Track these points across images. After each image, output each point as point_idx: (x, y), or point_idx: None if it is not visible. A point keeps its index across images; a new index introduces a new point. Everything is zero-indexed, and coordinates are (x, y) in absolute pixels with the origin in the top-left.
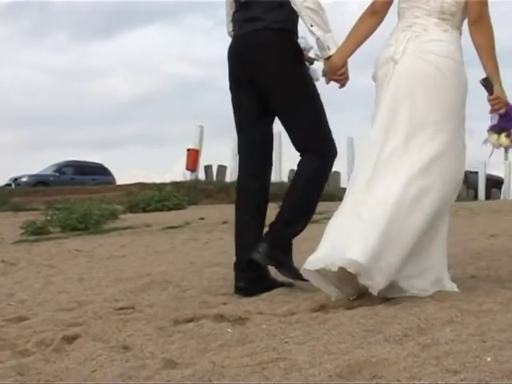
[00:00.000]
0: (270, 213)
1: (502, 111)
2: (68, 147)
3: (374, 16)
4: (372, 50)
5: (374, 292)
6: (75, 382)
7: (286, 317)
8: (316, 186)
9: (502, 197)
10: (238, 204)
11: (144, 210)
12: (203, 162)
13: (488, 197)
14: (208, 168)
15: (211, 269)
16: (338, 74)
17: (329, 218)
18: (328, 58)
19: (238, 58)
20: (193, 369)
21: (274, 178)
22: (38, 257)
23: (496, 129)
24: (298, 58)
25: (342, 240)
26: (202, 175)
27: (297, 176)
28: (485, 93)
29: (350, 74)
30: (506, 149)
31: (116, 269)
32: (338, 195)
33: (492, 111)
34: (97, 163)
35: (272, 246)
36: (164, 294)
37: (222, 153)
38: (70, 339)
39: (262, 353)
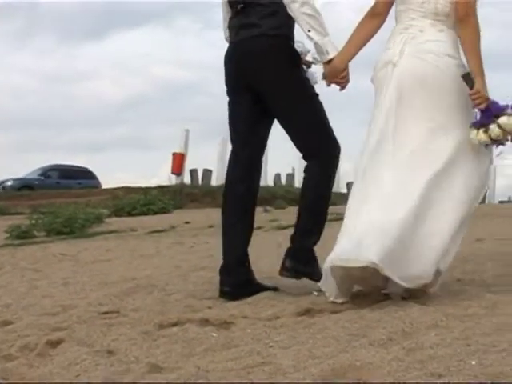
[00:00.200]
0: (256, 217)
1: (482, 106)
2: (55, 150)
3: (375, 18)
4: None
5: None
6: None
7: (270, 321)
8: (324, 190)
9: (486, 201)
10: (224, 207)
11: (129, 214)
12: (189, 165)
13: None
14: (193, 172)
15: (196, 273)
16: (339, 77)
17: None
18: (328, 62)
19: (235, 64)
20: (177, 373)
21: None
22: (22, 261)
23: (476, 125)
24: (294, 62)
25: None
26: (187, 179)
27: (305, 185)
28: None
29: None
30: (487, 146)
31: (101, 273)
32: None
33: (473, 106)
34: (82, 167)
35: (296, 259)
36: (149, 298)
37: (208, 157)
38: (54, 344)
39: (246, 357)
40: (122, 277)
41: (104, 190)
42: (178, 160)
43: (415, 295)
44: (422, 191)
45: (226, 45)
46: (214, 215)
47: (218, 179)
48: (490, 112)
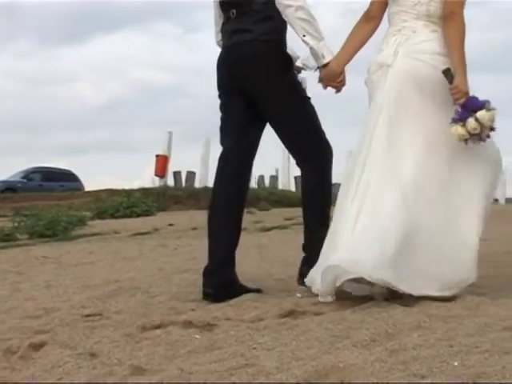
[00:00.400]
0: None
1: (461, 101)
2: (36, 153)
3: (370, 22)
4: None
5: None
6: None
7: (254, 323)
8: (323, 191)
9: None
10: (212, 209)
11: (112, 217)
12: (172, 168)
13: None
14: (177, 174)
15: (180, 275)
16: (336, 81)
17: (298, 224)
18: (324, 66)
19: (228, 68)
20: (160, 375)
21: None
22: (5, 264)
23: (456, 120)
24: (287, 66)
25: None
26: (170, 181)
27: (303, 190)
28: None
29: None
30: (466, 141)
31: (84, 275)
32: None
33: (453, 102)
34: (65, 169)
35: (312, 266)
36: (132, 301)
37: (191, 159)
38: (36, 347)
39: (230, 359)
40: (105, 279)
41: (87, 192)
42: (162, 162)
43: (399, 296)
44: (428, 194)
45: (208, 48)
46: (198, 217)
47: (201, 181)
48: (469, 107)
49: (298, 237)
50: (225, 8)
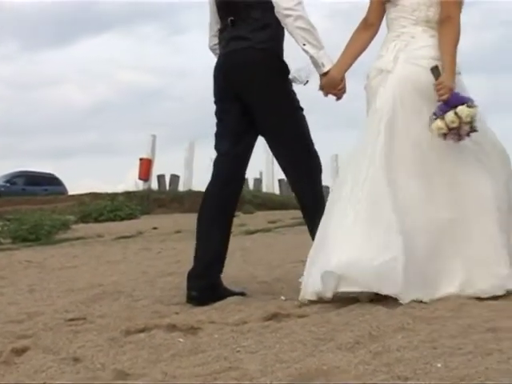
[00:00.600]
0: None
1: (444, 97)
2: (20, 157)
3: (369, 29)
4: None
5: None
6: None
7: (238, 326)
8: (316, 195)
9: None
10: (203, 212)
11: (96, 220)
12: (156, 171)
13: None
14: (161, 177)
15: (164, 278)
16: (337, 88)
17: (282, 227)
18: (324, 74)
19: (224, 75)
20: (144, 379)
21: None
22: None
23: (436, 114)
24: (283, 75)
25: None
26: (154, 185)
27: (299, 200)
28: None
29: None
30: (445, 136)
31: (67, 279)
32: (291, 204)
33: (438, 98)
34: (48, 173)
35: None
36: (115, 305)
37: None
38: (19, 351)
39: (213, 362)
40: (89, 283)
41: (70, 196)
42: (145, 166)
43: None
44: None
45: (192, 50)
46: (182, 221)
47: (185, 185)
48: (452, 102)
49: (281, 240)
50: (222, 15)
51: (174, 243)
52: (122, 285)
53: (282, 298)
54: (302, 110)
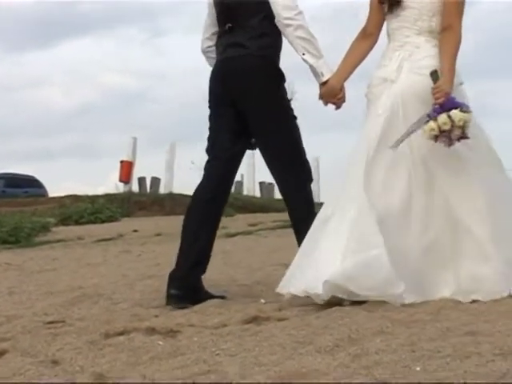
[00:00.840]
0: None
1: (440, 101)
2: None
3: (368, 38)
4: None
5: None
6: None
7: (217, 329)
8: (305, 215)
9: None
10: (191, 213)
11: (77, 223)
12: (137, 173)
13: None
14: (142, 180)
15: (144, 281)
16: (336, 97)
17: (263, 230)
18: (324, 83)
19: (220, 81)
20: (123, 382)
21: None
22: None
23: (430, 117)
24: (279, 82)
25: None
26: (135, 187)
27: (289, 209)
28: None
29: None
30: (436, 138)
31: (47, 282)
32: (272, 206)
33: (434, 101)
34: (28, 175)
35: None
36: (95, 307)
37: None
38: None
39: (192, 365)
40: (69, 286)
41: (51, 198)
42: (126, 168)
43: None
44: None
45: (173, 53)
46: (162, 223)
47: (166, 187)
48: (446, 106)
49: (262, 243)
50: (221, 21)
51: (155, 246)
52: (101, 287)
53: (262, 301)
54: (295, 118)
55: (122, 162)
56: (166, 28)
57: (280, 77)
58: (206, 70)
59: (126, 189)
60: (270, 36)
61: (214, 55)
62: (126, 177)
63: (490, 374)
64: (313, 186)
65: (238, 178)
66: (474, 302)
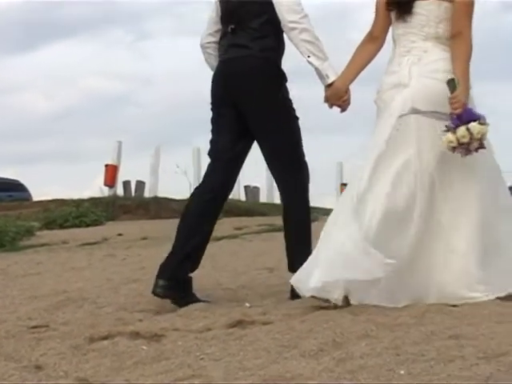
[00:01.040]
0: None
1: (458, 111)
2: None
3: (374, 42)
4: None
5: None
6: None
7: (202, 333)
8: (304, 216)
9: None
10: (190, 209)
11: (61, 227)
12: (121, 177)
13: None
14: (126, 184)
15: (128, 285)
16: (341, 100)
17: (248, 234)
18: (329, 86)
19: (223, 82)
20: None
21: None
22: None
23: (448, 128)
24: (280, 83)
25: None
26: (120, 191)
27: (284, 216)
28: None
29: None
30: (454, 149)
31: (31, 286)
32: (257, 210)
33: (451, 111)
34: (13, 179)
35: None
36: (79, 312)
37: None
38: None
39: (177, 370)
40: (53, 290)
41: (35, 202)
42: (111, 172)
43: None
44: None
45: (158, 56)
46: (147, 227)
47: (151, 191)
48: (464, 118)
49: (248, 246)
50: (224, 21)
51: (140, 250)
52: (86, 292)
53: (247, 304)
54: (297, 118)
55: (106, 165)
56: (150, 31)
57: (281, 77)
58: (191, 73)
59: (111, 193)
60: (273, 38)
61: (212, 52)
62: (110, 181)
63: (473, 377)
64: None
65: None
66: (457, 305)
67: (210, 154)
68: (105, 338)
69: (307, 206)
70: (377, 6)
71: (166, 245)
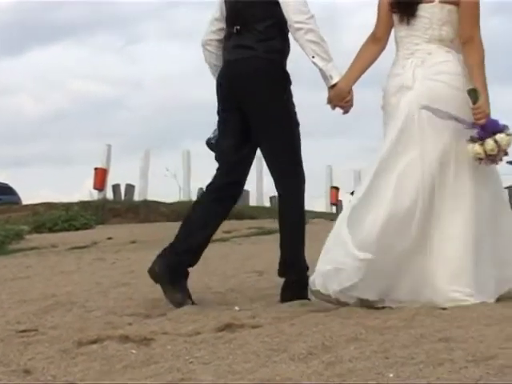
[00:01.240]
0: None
1: (481, 122)
2: None
3: (377, 43)
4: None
5: None
6: None
7: (191, 337)
8: (300, 217)
9: None
10: (201, 205)
11: (50, 230)
12: (111, 181)
13: None
14: (116, 187)
15: (118, 289)
16: (344, 101)
17: (238, 237)
18: (332, 87)
19: (227, 83)
20: None
21: (182, 197)
22: None
23: (474, 139)
24: (284, 86)
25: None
26: (109, 194)
27: (280, 217)
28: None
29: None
30: (480, 160)
31: (20, 290)
32: (247, 213)
33: (474, 121)
34: (2, 183)
35: (297, 291)
36: (68, 316)
37: (130, 172)
38: None
39: (166, 374)
40: (42, 294)
41: (24, 206)
42: (100, 175)
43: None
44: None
45: (148, 60)
46: (137, 231)
47: (140, 194)
48: (489, 128)
49: (237, 250)
50: (229, 22)
51: (129, 253)
52: (75, 295)
53: (236, 308)
54: (298, 124)
55: (96, 169)
56: (140, 36)
57: (286, 80)
58: (180, 77)
59: (101, 196)
60: (278, 40)
61: (213, 50)
62: (100, 184)
63: (462, 380)
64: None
65: None
66: (447, 308)
67: (216, 156)
68: (94, 341)
69: (303, 208)
70: (379, 7)
71: (156, 248)
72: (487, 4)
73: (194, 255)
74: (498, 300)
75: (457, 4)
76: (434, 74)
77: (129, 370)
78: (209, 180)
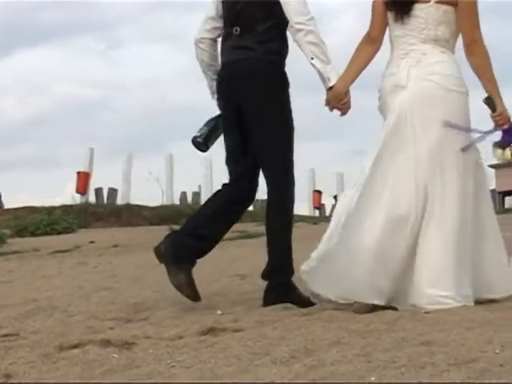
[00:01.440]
0: (161, 234)
1: (505, 126)
2: None
3: (373, 44)
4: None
5: None
6: None
7: (173, 341)
8: (286, 220)
9: None
10: (207, 201)
11: (33, 234)
12: (93, 184)
13: None
14: (98, 191)
15: (99, 293)
16: (341, 103)
17: (222, 240)
18: (330, 89)
19: (226, 83)
20: None
21: (165, 200)
22: None
23: (500, 144)
24: (283, 87)
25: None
26: (92, 198)
27: (267, 219)
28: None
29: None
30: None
31: (1, 295)
32: None
33: (497, 127)
34: None
35: (281, 294)
36: (50, 320)
37: (113, 175)
38: None
39: (148, 378)
40: (23, 298)
41: (6, 210)
42: (83, 179)
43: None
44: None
45: (130, 63)
46: (119, 235)
47: (123, 198)
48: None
49: (221, 253)
50: (228, 23)
51: (111, 257)
52: (56, 300)
53: (219, 312)
54: (293, 128)
55: (78, 172)
56: (123, 39)
57: (285, 81)
58: (163, 80)
59: (83, 200)
60: (278, 41)
61: (206, 48)
62: (82, 188)
63: None
64: None
65: (195, 188)
66: (429, 312)
67: (225, 158)
68: (75, 346)
69: (291, 210)
70: (373, 6)
71: (138, 252)
72: (484, 3)
73: (203, 242)
74: (480, 303)
75: (453, 4)
76: (428, 74)
77: (110, 374)
78: (192, 185)
